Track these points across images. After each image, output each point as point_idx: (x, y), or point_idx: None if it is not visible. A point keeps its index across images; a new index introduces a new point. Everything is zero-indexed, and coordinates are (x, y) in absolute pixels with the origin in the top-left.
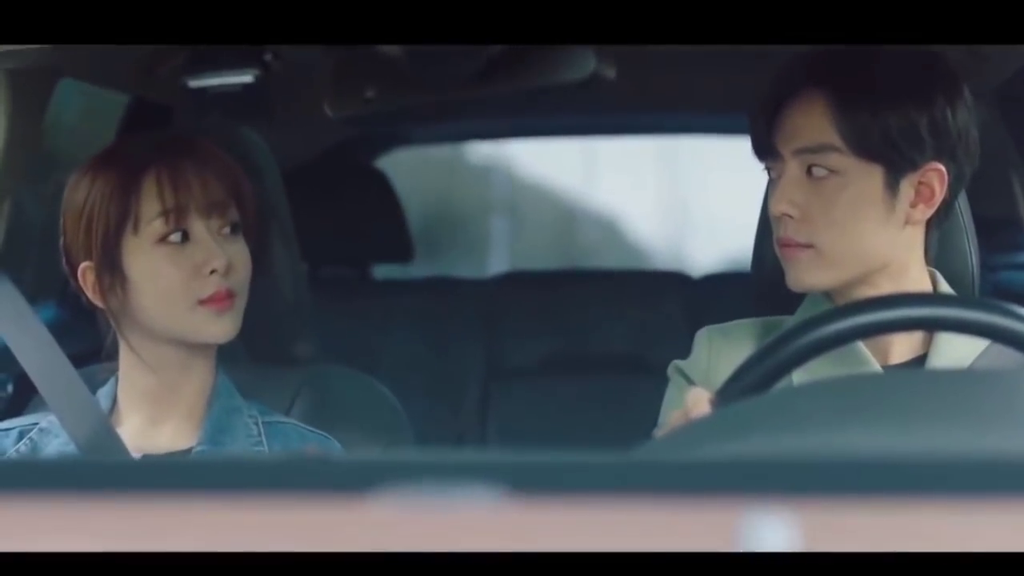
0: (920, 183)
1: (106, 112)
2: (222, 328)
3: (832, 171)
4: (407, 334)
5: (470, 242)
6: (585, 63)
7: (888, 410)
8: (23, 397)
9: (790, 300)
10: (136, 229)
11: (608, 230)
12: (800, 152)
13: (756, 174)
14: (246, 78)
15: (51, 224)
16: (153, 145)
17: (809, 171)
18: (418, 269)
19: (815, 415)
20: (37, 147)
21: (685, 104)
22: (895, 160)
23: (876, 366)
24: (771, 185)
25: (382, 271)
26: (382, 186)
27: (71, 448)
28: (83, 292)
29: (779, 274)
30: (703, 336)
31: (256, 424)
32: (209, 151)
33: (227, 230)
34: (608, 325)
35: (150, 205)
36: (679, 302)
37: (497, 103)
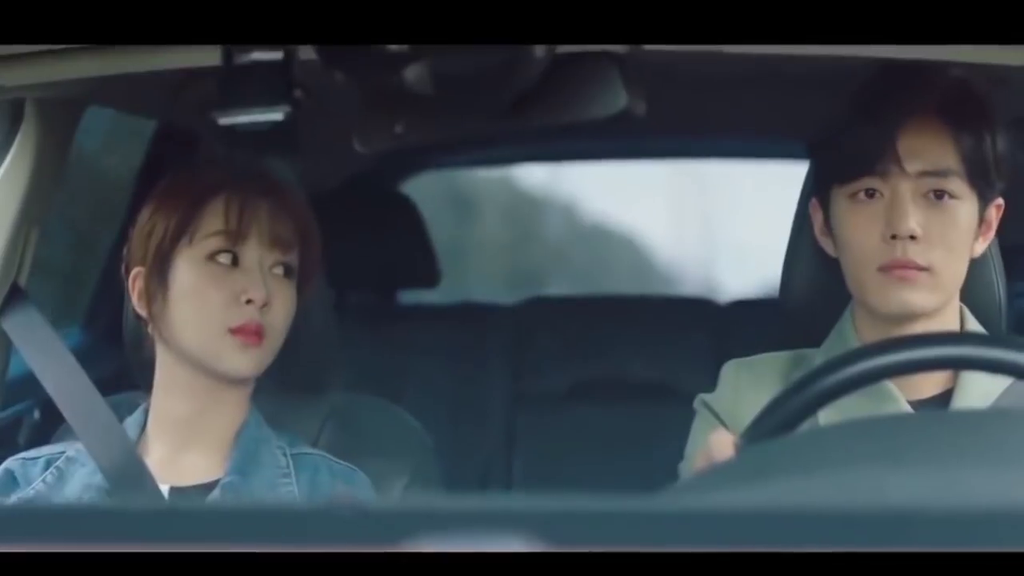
0: (985, 217)
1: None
2: (246, 363)
3: (952, 196)
4: (433, 360)
5: (496, 267)
6: (616, 99)
7: (914, 452)
8: (50, 424)
9: (817, 329)
10: (191, 241)
11: (635, 255)
12: (925, 174)
13: (782, 199)
14: (276, 116)
15: (80, 251)
16: (231, 169)
17: (929, 194)
18: (444, 294)
19: (842, 457)
20: (64, 175)
21: (713, 129)
22: (987, 191)
23: (903, 401)
24: (869, 205)
25: (408, 296)
26: (407, 211)
27: (98, 478)
28: (130, 298)
29: (806, 302)
30: (729, 370)
31: (284, 455)
32: (286, 188)
33: (279, 270)
34: (635, 352)
35: (213, 221)
36: (706, 329)
37: (525, 133)
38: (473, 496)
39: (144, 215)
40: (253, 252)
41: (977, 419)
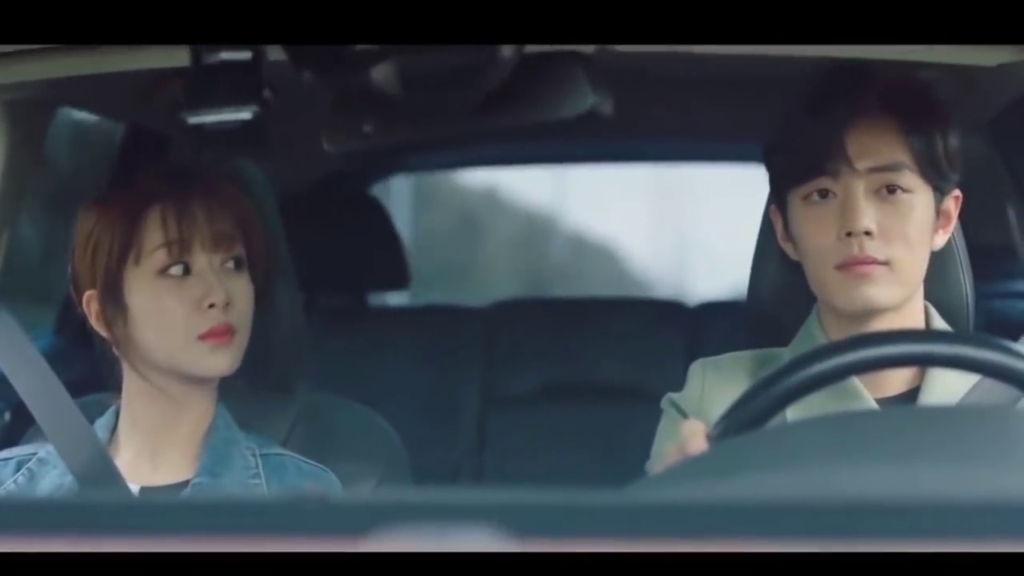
0: (943, 209)
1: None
2: (221, 363)
3: (904, 190)
4: (404, 362)
5: (465, 270)
6: (582, 99)
7: (881, 448)
8: (21, 425)
9: (784, 330)
10: (138, 260)
11: (606, 257)
12: (875, 170)
13: (751, 202)
14: (245, 115)
15: (50, 253)
16: (162, 176)
17: (882, 189)
18: (413, 297)
19: (809, 452)
20: (35, 177)
21: (682, 133)
22: (941, 183)
23: (870, 399)
24: (823, 205)
25: (379, 299)
26: (378, 213)
27: (69, 479)
28: (87, 320)
29: (774, 304)
30: (696, 369)
31: (254, 456)
32: (218, 183)
33: (230, 265)
34: (606, 353)
35: (153, 236)
36: (676, 331)
37: (494, 134)
38: (442, 489)
39: (83, 233)
40: (202, 256)
41: (943, 415)
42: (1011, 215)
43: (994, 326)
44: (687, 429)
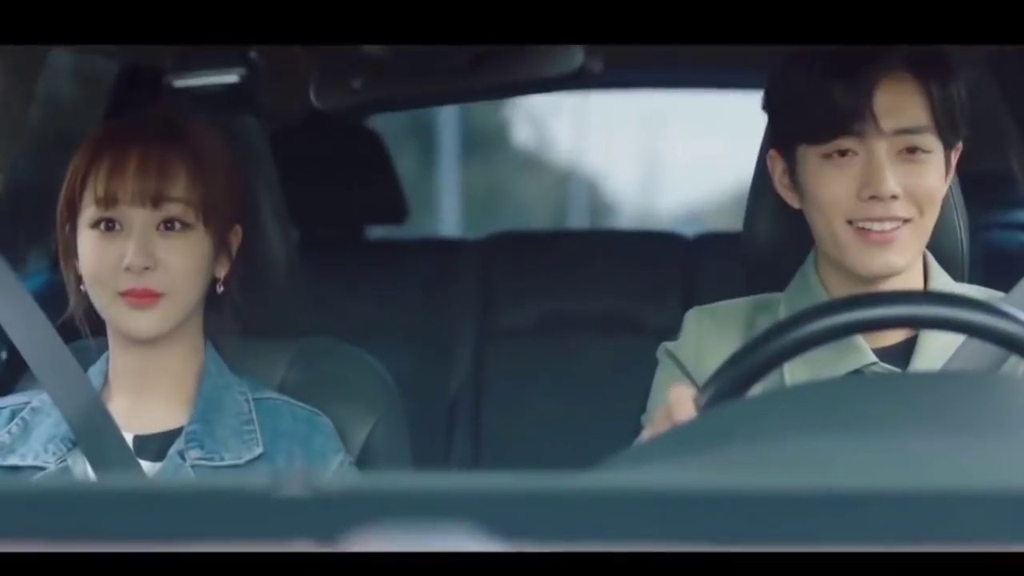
0: (949, 162)
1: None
2: (143, 324)
3: (924, 151)
4: (400, 295)
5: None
6: (573, 57)
7: (872, 415)
8: (18, 366)
9: (781, 273)
10: (80, 209)
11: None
12: (900, 132)
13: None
14: (231, 77)
15: (45, 194)
16: (129, 125)
17: (903, 151)
18: (411, 230)
19: (797, 422)
20: (28, 119)
21: (678, 59)
22: (952, 140)
23: (868, 350)
24: (843, 164)
25: (375, 232)
26: (373, 145)
27: (63, 428)
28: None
29: (770, 246)
30: (692, 317)
31: (247, 401)
32: (178, 136)
33: (166, 226)
34: (603, 286)
35: (90, 189)
36: (674, 263)
37: (484, 92)
38: (419, 477)
39: (69, 172)
40: (130, 216)
41: (931, 382)
42: (1010, 144)
43: (991, 259)
44: (674, 395)
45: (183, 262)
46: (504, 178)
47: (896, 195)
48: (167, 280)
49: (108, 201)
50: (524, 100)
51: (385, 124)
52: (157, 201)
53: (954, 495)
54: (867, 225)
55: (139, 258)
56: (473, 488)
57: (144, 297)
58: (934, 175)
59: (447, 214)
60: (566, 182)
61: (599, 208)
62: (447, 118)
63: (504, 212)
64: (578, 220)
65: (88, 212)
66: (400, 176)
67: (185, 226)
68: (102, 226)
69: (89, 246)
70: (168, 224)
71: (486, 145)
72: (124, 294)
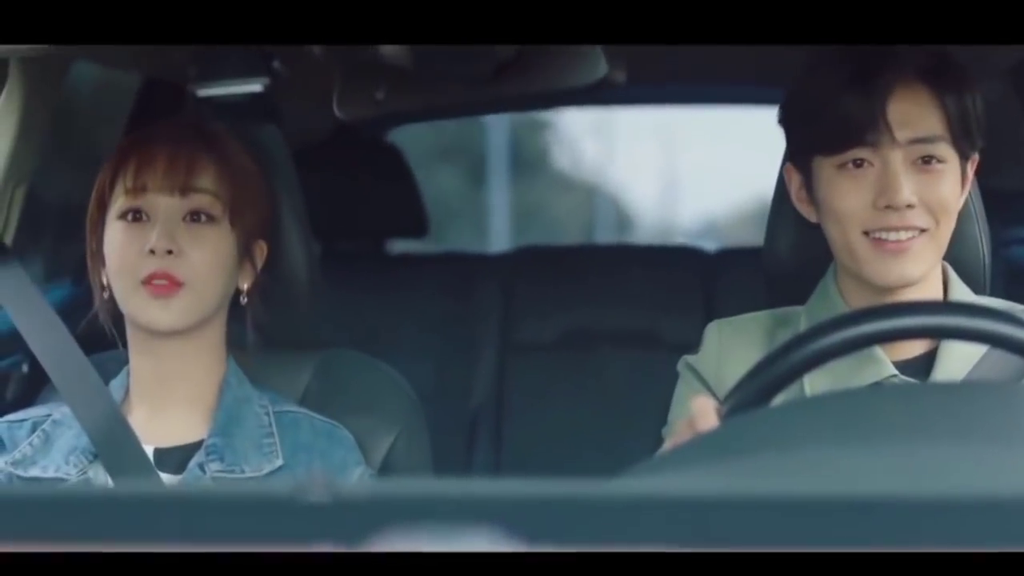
0: (965, 173)
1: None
2: (162, 316)
3: (939, 160)
4: (422, 309)
5: (483, 216)
6: (596, 66)
7: (892, 426)
8: (39, 378)
9: (802, 287)
10: (109, 203)
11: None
12: (915, 142)
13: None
14: (255, 87)
15: (68, 206)
16: (157, 130)
17: (918, 160)
18: (432, 244)
19: (818, 432)
20: (51, 131)
21: (700, 75)
22: (968, 151)
23: (887, 363)
24: (858, 174)
25: (396, 246)
26: (395, 160)
27: (84, 440)
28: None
29: (791, 260)
30: (712, 330)
31: (267, 414)
32: (209, 140)
33: (191, 217)
34: (624, 301)
35: (120, 184)
36: (695, 277)
37: (508, 103)
38: (441, 483)
39: (96, 183)
40: (157, 204)
41: (952, 392)
42: None
43: (1013, 274)
44: (696, 406)
45: (206, 254)
46: (541, 195)
47: (911, 204)
48: (189, 270)
49: (137, 190)
50: (562, 120)
51: (434, 144)
52: (185, 190)
53: (976, 503)
54: (883, 235)
55: (163, 241)
56: (494, 493)
57: (166, 285)
58: (950, 185)
59: (497, 230)
60: (593, 197)
61: (624, 222)
62: (496, 139)
63: (538, 227)
64: (605, 234)
65: (117, 204)
66: (448, 195)
67: (211, 219)
68: (129, 216)
69: (116, 237)
70: (194, 215)
71: (529, 164)
72: (145, 281)
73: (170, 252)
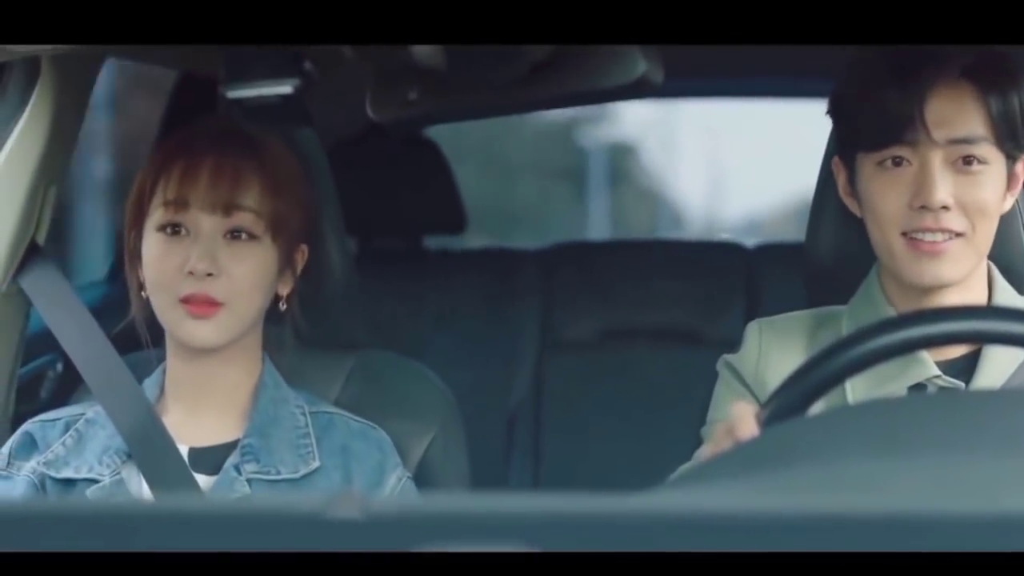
0: (1013, 173)
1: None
2: (200, 333)
3: (980, 161)
4: (460, 306)
5: (523, 212)
6: (633, 66)
7: (934, 435)
8: (72, 377)
9: (844, 286)
10: (149, 211)
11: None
12: (954, 142)
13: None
14: (285, 88)
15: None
16: (195, 133)
17: (958, 161)
18: (471, 240)
19: (857, 441)
20: (82, 131)
21: (741, 68)
22: (1014, 152)
23: (931, 363)
24: (897, 173)
25: (434, 242)
26: (433, 155)
27: (117, 440)
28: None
29: (833, 257)
30: (753, 330)
31: (303, 415)
32: (251, 146)
33: (232, 235)
34: (664, 297)
35: (160, 193)
36: (735, 273)
37: (542, 103)
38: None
39: (136, 180)
40: (200, 219)
41: (992, 400)
42: None
43: None
44: (736, 412)
45: (246, 273)
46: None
47: (947, 206)
48: (229, 290)
49: (178, 204)
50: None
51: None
52: (228, 209)
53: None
54: (918, 235)
55: (203, 263)
56: (527, 509)
57: (204, 305)
58: (991, 188)
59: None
60: (654, 196)
61: (676, 219)
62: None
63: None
64: (667, 232)
65: (156, 215)
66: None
67: (252, 237)
68: (168, 230)
69: (154, 250)
70: (235, 233)
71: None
72: (185, 300)
73: (210, 275)
